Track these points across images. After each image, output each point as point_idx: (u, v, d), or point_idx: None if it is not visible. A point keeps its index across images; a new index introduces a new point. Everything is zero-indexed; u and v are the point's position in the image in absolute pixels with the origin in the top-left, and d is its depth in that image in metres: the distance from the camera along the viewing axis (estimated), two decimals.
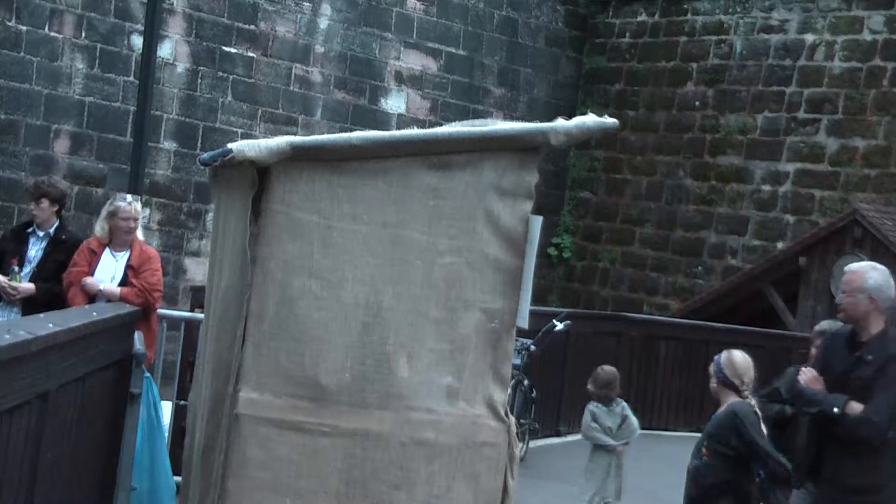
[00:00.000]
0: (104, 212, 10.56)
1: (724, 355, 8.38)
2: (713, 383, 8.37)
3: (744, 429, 8.01)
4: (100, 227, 10.44)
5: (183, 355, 10.77)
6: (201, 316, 8.13)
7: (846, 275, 7.89)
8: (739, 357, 8.39)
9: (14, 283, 10.36)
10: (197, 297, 13.27)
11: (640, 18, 27.77)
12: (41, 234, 10.72)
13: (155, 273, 10.35)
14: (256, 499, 6.34)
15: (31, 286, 10.42)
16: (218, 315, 6.78)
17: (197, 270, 21.21)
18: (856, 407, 7.53)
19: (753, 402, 8.29)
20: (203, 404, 6.83)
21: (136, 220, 10.43)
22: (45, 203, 10.79)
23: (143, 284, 10.16)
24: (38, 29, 19.55)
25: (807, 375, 7.82)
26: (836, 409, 7.55)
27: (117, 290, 10.14)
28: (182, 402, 9.21)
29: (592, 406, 11.17)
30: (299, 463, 6.31)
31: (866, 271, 7.81)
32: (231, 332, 6.51)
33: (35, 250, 10.70)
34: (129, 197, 10.80)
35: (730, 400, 8.20)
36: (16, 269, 10.47)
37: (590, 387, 11.28)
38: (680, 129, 26.72)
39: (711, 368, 8.40)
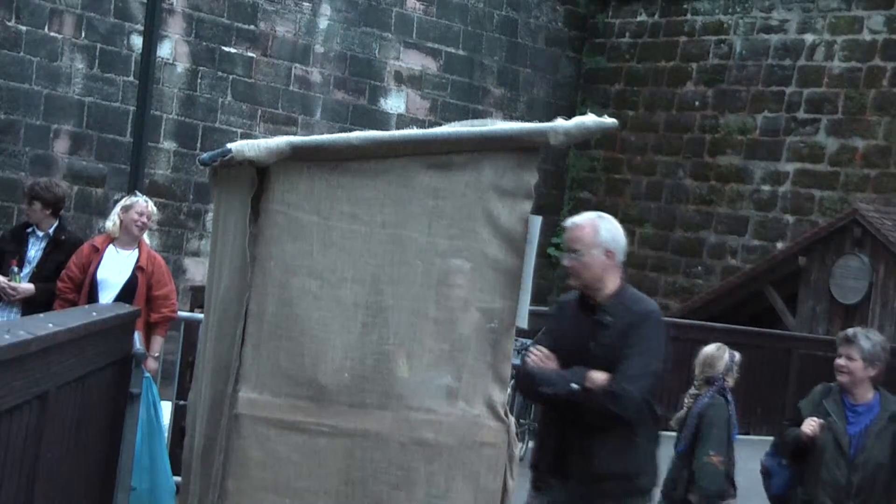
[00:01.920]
0: (118, 206, 10.58)
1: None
2: None
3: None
4: (111, 222, 10.45)
5: (183, 355, 10.77)
6: (201, 316, 8.13)
7: (571, 231, 6.82)
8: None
9: (13, 284, 10.36)
10: (197, 297, 13.28)
11: (639, 18, 27.78)
12: (40, 234, 10.72)
13: (170, 294, 10.42)
14: (256, 499, 6.33)
15: (30, 286, 10.42)
16: (218, 315, 6.79)
17: (196, 270, 21.21)
18: (598, 378, 6.46)
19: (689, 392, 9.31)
20: (203, 404, 6.84)
21: (149, 218, 10.47)
22: (37, 206, 10.79)
23: (168, 315, 10.36)
24: (38, 29, 19.55)
25: (536, 354, 6.73)
26: (574, 386, 6.45)
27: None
28: (182, 402, 9.20)
29: None
30: (299, 463, 6.31)
31: (596, 223, 6.76)
32: (231, 332, 6.51)
33: (34, 251, 10.70)
34: (145, 196, 10.86)
35: None
36: (15, 269, 10.47)
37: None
38: (680, 129, 26.73)
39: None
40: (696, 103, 26.57)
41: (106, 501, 7.77)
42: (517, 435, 7.05)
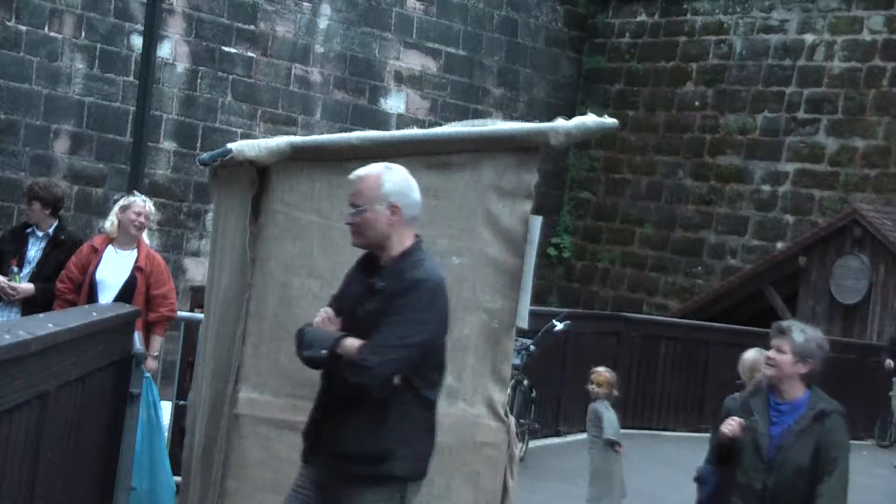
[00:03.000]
0: (116, 206, 10.56)
1: None
2: None
3: None
4: (109, 222, 10.42)
5: (183, 355, 10.76)
6: (201, 316, 8.13)
7: (354, 184, 5.89)
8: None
9: (13, 284, 10.34)
10: (197, 297, 13.25)
11: (639, 18, 27.78)
12: (40, 234, 10.70)
13: (169, 293, 10.40)
14: (256, 499, 6.34)
15: (30, 286, 10.40)
16: (218, 315, 6.79)
17: (197, 270, 21.21)
18: (349, 346, 5.67)
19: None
20: (203, 404, 6.84)
21: (147, 218, 10.43)
22: (36, 206, 10.77)
23: (167, 315, 10.32)
24: (38, 29, 19.55)
25: (321, 315, 5.92)
26: (323, 352, 5.76)
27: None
28: (182, 402, 9.19)
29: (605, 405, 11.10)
30: (299, 463, 6.31)
31: (381, 174, 5.85)
32: (231, 332, 6.51)
33: (34, 251, 10.68)
34: (144, 196, 10.82)
35: None
36: (15, 269, 10.45)
37: (601, 389, 11.13)
38: (680, 129, 26.74)
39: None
40: (696, 103, 26.58)
41: (106, 501, 7.76)
42: (517, 435, 7.04)
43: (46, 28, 19.69)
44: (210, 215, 20.08)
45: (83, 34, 20.15)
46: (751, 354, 9.36)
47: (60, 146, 20.14)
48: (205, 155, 6.78)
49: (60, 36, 19.87)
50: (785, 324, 7.09)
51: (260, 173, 6.43)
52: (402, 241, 5.80)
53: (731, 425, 6.98)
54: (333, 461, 5.80)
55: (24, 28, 19.38)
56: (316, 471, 5.90)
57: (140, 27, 18.40)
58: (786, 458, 6.81)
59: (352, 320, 5.76)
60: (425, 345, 5.71)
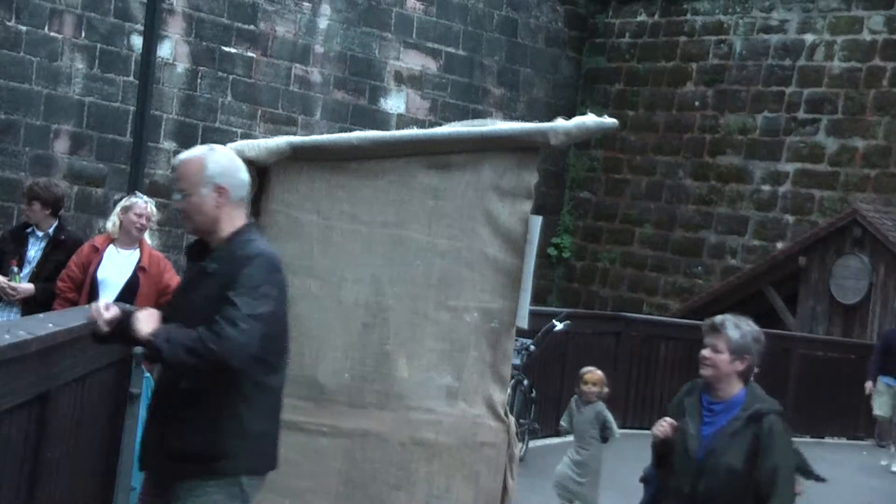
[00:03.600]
0: (118, 206, 10.54)
1: None
2: None
3: None
4: (111, 222, 10.41)
5: None
6: None
7: (177, 168, 5.76)
8: None
9: (13, 284, 10.34)
10: None
11: (639, 18, 27.79)
12: (40, 234, 10.69)
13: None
14: (256, 499, 6.34)
15: (30, 286, 10.40)
16: None
17: None
18: (143, 326, 5.39)
19: None
20: None
21: (148, 219, 10.41)
22: (36, 206, 10.76)
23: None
24: (38, 29, 19.55)
25: (92, 309, 5.58)
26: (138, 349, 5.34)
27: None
28: None
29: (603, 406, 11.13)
30: (299, 463, 6.31)
31: (204, 156, 5.70)
32: None
33: (34, 251, 10.67)
34: (146, 197, 10.79)
35: None
36: (15, 269, 10.45)
37: (596, 388, 11.17)
38: (680, 129, 26.74)
39: None
40: (696, 103, 26.58)
41: (106, 501, 7.76)
42: (517, 435, 7.04)
43: (46, 28, 19.69)
44: None
45: (83, 34, 20.16)
46: None
47: (60, 146, 20.15)
48: None
49: (60, 36, 19.88)
50: (718, 319, 6.69)
51: (260, 173, 6.43)
52: (232, 223, 5.60)
53: (661, 426, 6.60)
54: (167, 461, 5.51)
55: (24, 28, 19.39)
56: (153, 473, 5.69)
57: (140, 27, 18.40)
58: (717, 461, 6.34)
59: (188, 307, 5.50)
60: (270, 318, 5.43)
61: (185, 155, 5.81)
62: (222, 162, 5.69)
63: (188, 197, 5.59)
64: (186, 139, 21.45)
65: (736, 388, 6.52)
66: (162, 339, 5.31)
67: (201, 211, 5.57)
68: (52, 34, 19.80)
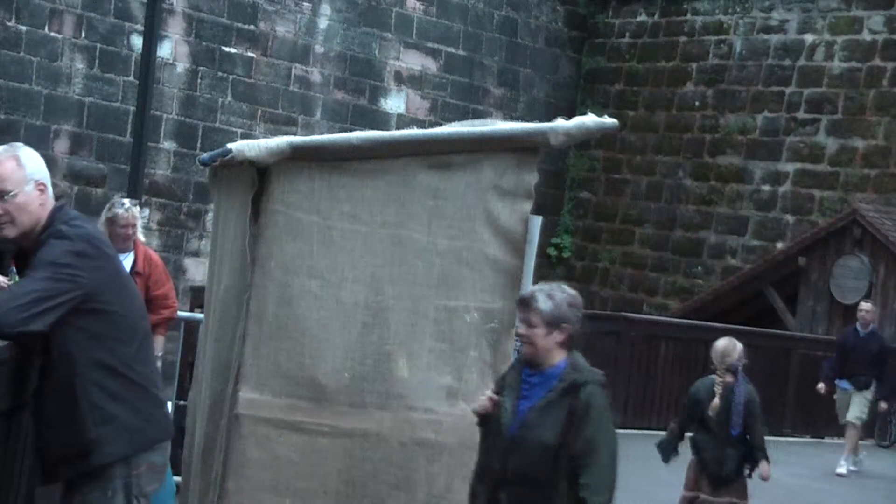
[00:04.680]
0: (102, 216, 10.49)
1: None
2: None
3: None
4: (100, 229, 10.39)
5: (183, 355, 10.75)
6: (201, 316, 8.12)
7: None
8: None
9: (13, 284, 10.32)
10: (197, 298, 13.24)
11: (639, 18, 27.79)
12: None
13: (169, 293, 10.36)
14: (256, 499, 6.33)
15: None
16: (218, 315, 6.78)
17: (197, 270, 21.20)
18: None
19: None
20: (203, 404, 6.83)
21: (133, 226, 10.35)
22: None
23: (169, 316, 10.29)
24: (38, 29, 19.55)
25: None
26: None
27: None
28: (182, 403, 9.19)
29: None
30: (299, 463, 6.31)
31: (16, 155, 5.39)
32: (231, 332, 6.50)
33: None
34: (126, 202, 10.67)
35: None
36: (14, 269, 10.44)
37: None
38: (680, 129, 26.74)
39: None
40: (696, 103, 26.58)
41: None
42: None
43: (46, 28, 19.69)
44: (210, 215, 20.09)
45: (83, 34, 20.16)
46: (722, 342, 9.77)
47: (60, 146, 20.14)
48: (205, 155, 6.78)
49: (60, 36, 19.88)
50: (527, 292, 6.18)
51: (260, 173, 6.43)
52: (44, 213, 5.37)
53: (481, 401, 6.17)
54: (42, 465, 5.35)
55: (24, 28, 19.39)
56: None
57: (140, 27, 18.40)
58: (528, 436, 5.90)
59: None
60: (68, 291, 5.15)
61: None
62: (35, 159, 5.42)
63: (14, 197, 5.30)
64: (186, 139, 21.46)
65: (556, 360, 6.03)
66: None
67: (28, 210, 5.32)
68: (52, 34, 19.80)
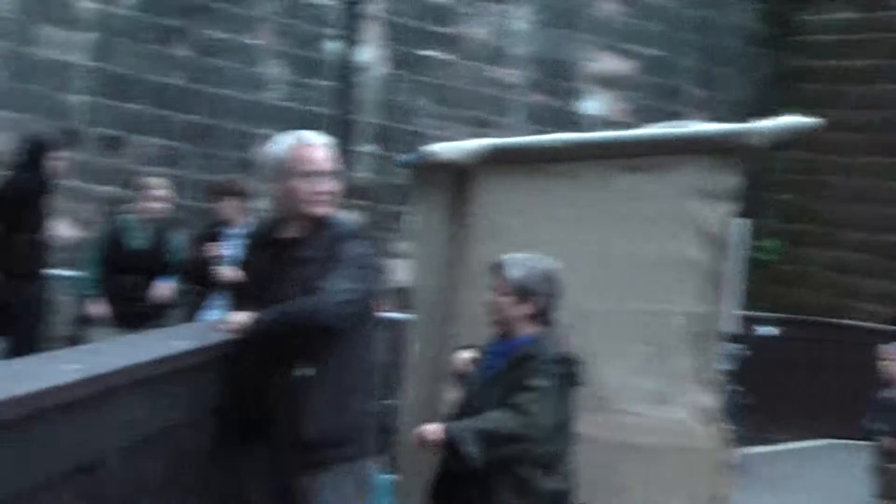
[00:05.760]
0: None
1: None
2: None
3: None
4: None
5: (391, 356, 10.80)
6: (406, 317, 8.16)
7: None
8: None
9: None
10: (401, 299, 13.29)
11: (841, 15, 27.23)
12: (234, 231, 10.72)
13: None
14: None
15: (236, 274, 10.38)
16: (424, 317, 6.82)
17: (400, 272, 21.36)
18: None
19: None
20: (413, 405, 6.88)
21: None
22: (229, 201, 10.92)
23: None
24: (237, 36, 19.95)
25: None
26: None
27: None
28: (389, 403, 9.25)
29: None
30: None
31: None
32: (437, 333, 6.54)
33: (232, 249, 10.61)
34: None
35: None
36: (225, 251, 10.44)
37: None
38: (886, 129, 26.10)
39: None
40: None
41: None
42: (728, 442, 6.91)
43: (245, 36, 20.07)
44: (409, 217, 20.21)
45: (281, 41, 20.49)
46: None
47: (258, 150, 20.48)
48: (404, 157, 6.82)
49: (259, 43, 20.24)
50: (499, 260, 5.96)
51: (460, 175, 6.44)
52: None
53: (460, 359, 6.16)
54: (290, 449, 5.53)
55: (223, 36, 19.79)
56: (264, 457, 5.67)
57: (337, 33, 18.64)
58: (475, 405, 5.82)
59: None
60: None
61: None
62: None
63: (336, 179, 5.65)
64: (386, 142, 21.66)
65: (522, 332, 5.91)
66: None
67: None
68: (251, 42, 20.17)
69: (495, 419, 5.65)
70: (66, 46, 17.59)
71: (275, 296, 5.46)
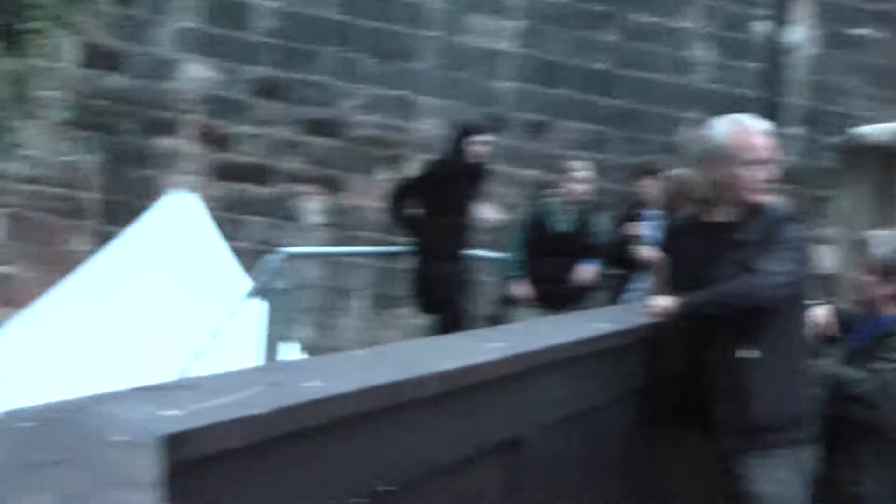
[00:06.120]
0: None
1: None
2: None
3: None
4: None
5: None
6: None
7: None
8: None
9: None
10: (825, 287, 12.95)
11: None
12: (652, 213, 10.55)
13: None
14: None
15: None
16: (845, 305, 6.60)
17: (825, 257, 20.84)
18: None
19: None
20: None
21: None
22: (649, 182, 10.81)
23: None
24: (664, 20, 19.90)
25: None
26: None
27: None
28: None
29: None
30: None
31: None
32: None
33: (651, 229, 10.43)
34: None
35: None
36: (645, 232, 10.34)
37: None
38: None
39: None
40: None
41: None
42: None
43: (672, 19, 19.99)
44: (836, 202, 19.66)
45: (709, 23, 20.30)
46: None
47: (686, 132, 20.38)
48: (834, 140, 6.65)
49: (686, 25, 20.12)
50: (864, 237, 5.91)
51: (891, 158, 6.20)
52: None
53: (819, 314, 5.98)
54: (732, 431, 5.46)
55: (651, 20, 19.79)
56: (695, 439, 5.61)
57: (767, 13, 18.33)
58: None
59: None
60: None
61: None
62: None
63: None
64: (813, 125, 21.15)
65: (886, 311, 5.77)
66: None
67: None
68: (678, 25, 20.07)
69: (847, 373, 5.70)
70: (495, 34, 17.99)
71: (710, 279, 5.43)
